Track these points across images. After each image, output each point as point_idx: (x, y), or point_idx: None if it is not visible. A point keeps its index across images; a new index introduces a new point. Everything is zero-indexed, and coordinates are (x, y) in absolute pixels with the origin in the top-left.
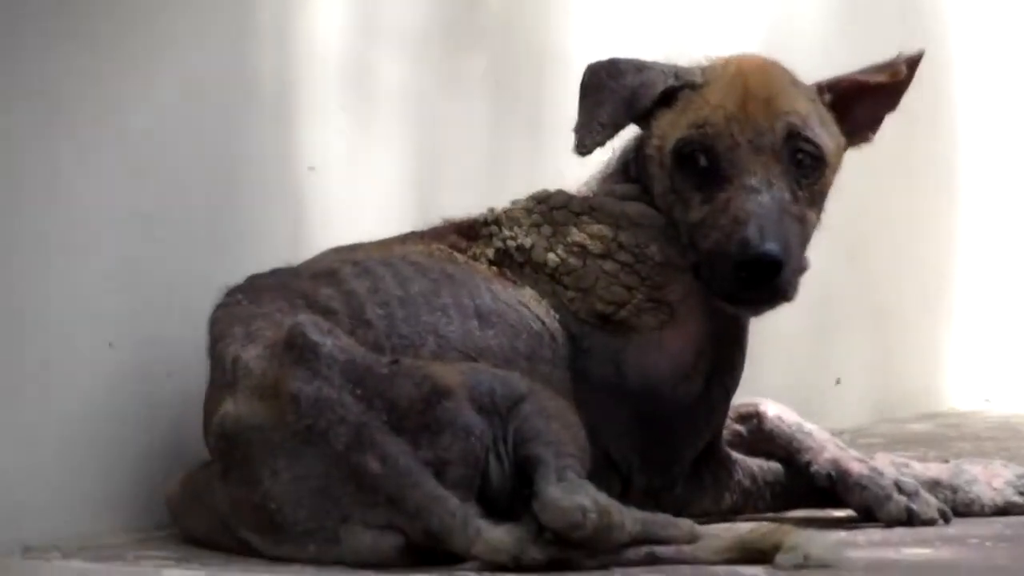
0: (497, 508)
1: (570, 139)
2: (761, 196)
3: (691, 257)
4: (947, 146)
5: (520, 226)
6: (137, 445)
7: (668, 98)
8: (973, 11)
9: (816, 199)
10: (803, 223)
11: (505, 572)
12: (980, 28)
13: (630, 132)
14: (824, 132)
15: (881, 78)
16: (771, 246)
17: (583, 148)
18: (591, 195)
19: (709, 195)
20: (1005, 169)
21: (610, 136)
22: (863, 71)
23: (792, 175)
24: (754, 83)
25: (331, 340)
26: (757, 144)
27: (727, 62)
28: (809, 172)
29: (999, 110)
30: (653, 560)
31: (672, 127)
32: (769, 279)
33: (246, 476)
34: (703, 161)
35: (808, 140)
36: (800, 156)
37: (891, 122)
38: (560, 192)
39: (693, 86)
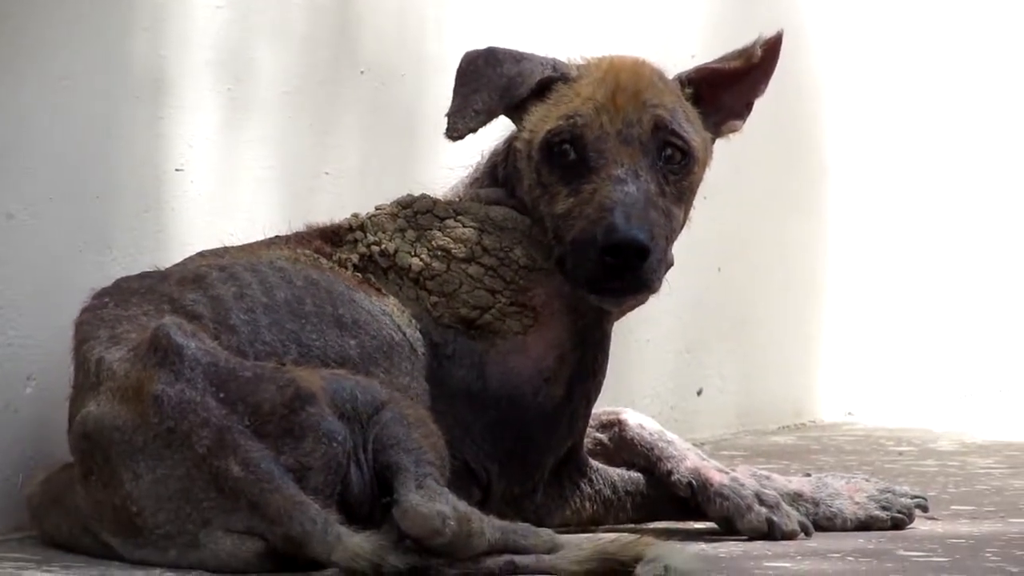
0: (358, 515)
1: (442, 139)
2: (627, 186)
3: (556, 250)
4: (817, 163)
5: (385, 231)
6: None
7: (542, 91)
8: (843, 35)
9: (683, 195)
10: (669, 217)
11: None
12: (849, 50)
13: (499, 133)
14: (691, 128)
15: (737, 63)
16: (637, 232)
17: (455, 132)
18: (456, 199)
19: (576, 188)
20: (874, 187)
21: (483, 123)
22: (721, 58)
23: (660, 170)
24: (624, 78)
25: (195, 343)
26: (625, 135)
27: (601, 59)
28: (677, 168)
29: (869, 128)
30: (513, 569)
31: (543, 120)
32: (634, 266)
33: (107, 478)
34: (571, 153)
35: (675, 134)
36: (669, 151)
37: (763, 139)
38: (425, 196)
39: (567, 79)
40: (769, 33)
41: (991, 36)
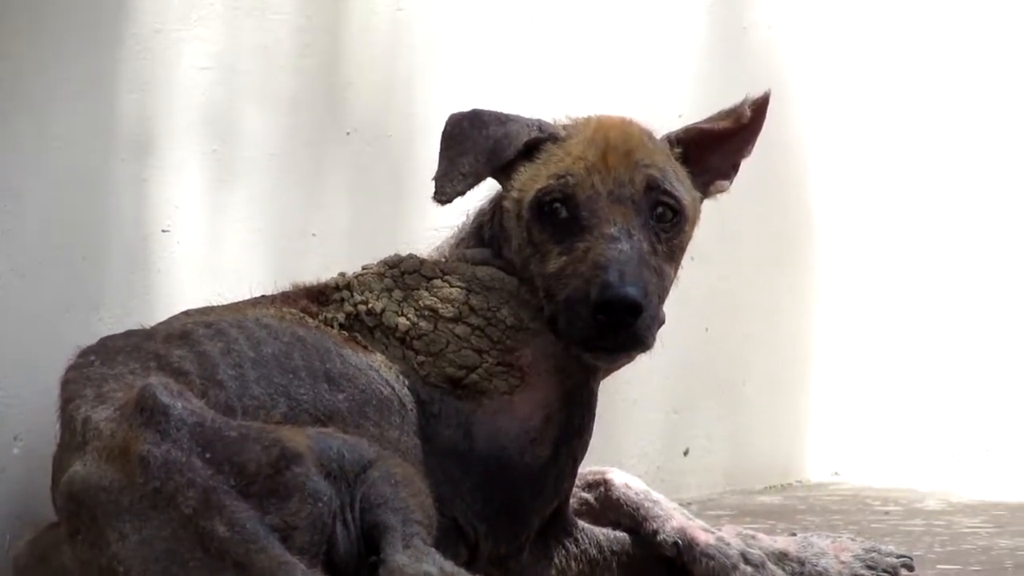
0: (344, 574)
1: (430, 199)
2: (621, 244)
3: (548, 309)
4: (804, 224)
5: (371, 291)
6: None
7: (530, 151)
8: (829, 93)
9: (674, 254)
10: (660, 276)
11: None
12: (835, 108)
13: (486, 193)
14: (681, 187)
15: (726, 124)
16: (631, 289)
17: (443, 196)
18: (442, 259)
19: (568, 246)
20: (861, 248)
21: (471, 186)
22: (709, 119)
23: (651, 228)
24: (614, 136)
25: (181, 403)
26: (618, 195)
27: (588, 119)
28: (669, 226)
29: (856, 187)
30: None
31: (533, 180)
32: (628, 323)
33: (93, 538)
34: (563, 212)
35: (668, 193)
36: (660, 209)
37: (750, 199)
38: (411, 256)
39: (555, 139)
40: (757, 94)
41: (977, 96)
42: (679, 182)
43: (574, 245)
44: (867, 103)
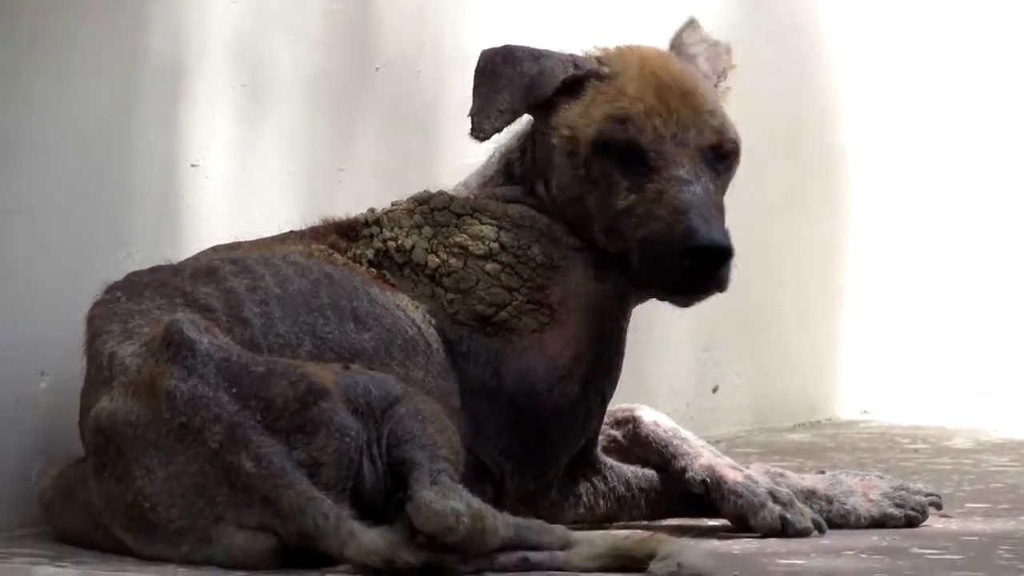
0: (371, 510)
1: (459, 135)
2: (694, 187)
3: (614, 245)
4: (835, 162)
5: (401, 227)
6: (10, 444)
7: (571, 87)
8: (862, 35)
9: (724, 189)
10: (722, 213)
11: (378, 575)
12: (868, 50)
13: (511, 130)
14: (732, 126)
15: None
16: (719, 236)
17: (481, 133)
18: (473, 197)
19: (637, 184)
20: (892, 188)
21: (508, 122)
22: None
23: (713, 167)
24: (664, 75)
25: (208, 338)
26: (681, 138)
27: (622, 51)
28: (725, 167)
29: (886, 127)
30: (526, 566)
31: (583, 117)
32: (715, 269)
33: (120, 473)
34: (627, 152)
35: (730, 139)
36: (723, 151)
37: (780, 139)
38: (441, 193)
39: (600, 76)
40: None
41: (1005, 41)
42: (730, 121)
43: (644, 185)
44: (898, 43)
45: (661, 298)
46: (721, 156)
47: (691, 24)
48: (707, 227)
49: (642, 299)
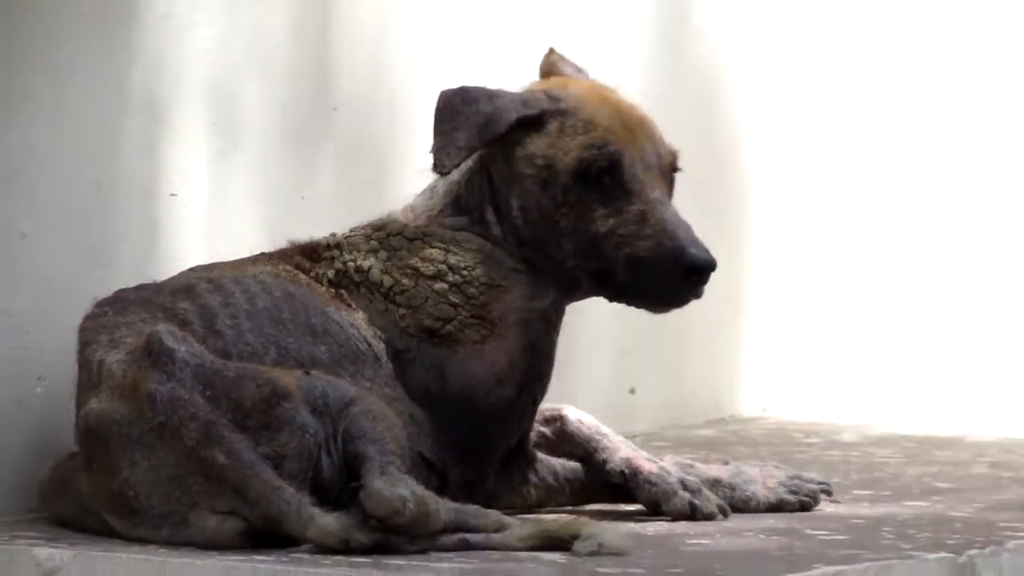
0: (328, 498)
1: (407, 166)
2: (669, 208)
3: (591, 264)
4: (737, 183)
5: (359, 250)
6: (11, 440)
7: (529, 123)
8: (762, 61)
9: None
10: None
11: (334, 554)
12: (766, 75)
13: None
14: None
15: None
16: (709, 254)
17: (442, 168)
18: (424, 224)
19: (616, 208)
20: (788, 211)
21: (466, 157)
22: None
23: (669, 185)
24: (622, 106)
25: (184, 347)
26: (647, 164)
27: (570, 86)
28: (673, 182)
29: (786, 143)
30: (465, 545)
31: (557, 148)
32: (704, 282)
33: (107, 466)
34: (606, 178)
35: (676, 158)
36: (673, 170)
37: (687, 157)
38: (395, 220)
39: (561, 111)
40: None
41: (899, 55)
42: None
43: (623, 208)
44: (797, 71)
45: (639, 306)
46: (672, 175)
47: (552, 52)
48: (697, 246)
49: (564, 309)
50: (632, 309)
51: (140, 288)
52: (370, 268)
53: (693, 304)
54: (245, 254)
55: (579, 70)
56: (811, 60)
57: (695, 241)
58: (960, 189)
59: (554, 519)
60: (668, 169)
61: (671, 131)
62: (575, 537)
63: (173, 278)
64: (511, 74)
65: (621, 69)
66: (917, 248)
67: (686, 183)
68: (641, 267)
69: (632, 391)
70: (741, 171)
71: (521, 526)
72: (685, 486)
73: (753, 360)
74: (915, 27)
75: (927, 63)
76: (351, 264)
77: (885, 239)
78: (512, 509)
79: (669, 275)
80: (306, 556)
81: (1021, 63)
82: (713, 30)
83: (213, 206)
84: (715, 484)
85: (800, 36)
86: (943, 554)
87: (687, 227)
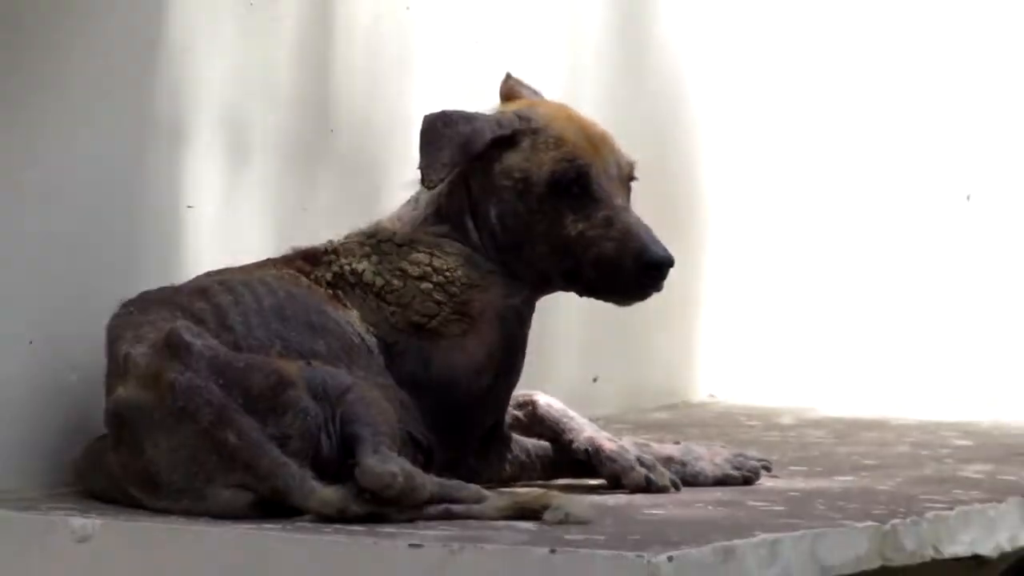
0: (327, 474)
1: (396, 181)
2: (630, 213)
3: (563, 264)
4: (692, 193)
5: (354, 255)
6: (50, 423)
7: (504, 141)
8: (718, 75)
9: None
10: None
11: (333, 522)
12: (723, 88)
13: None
14: None
15: None
16: (667, 251)
17: (430, 183)
18: (410, 231)
19: (585, 215)
20: (741, 212)
21: (450, 173)
22: None
23: (628, 192)
24: (585, 123)
25: (200, 341)
26: (610, 174)
27: (538, 106)
28: (630, 188)
29: (739, 131)
30: (448, 515)
31: (531, 162)
32: (664, 277)
33: (133, 446)
34: (575, 188)
35: (633, 167)
36: (631, 178)
37: (645, 169)
38: (384, 228)
39: (533, 130)
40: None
41: (843, 50)
42: None
43: (592, 214)
44: (751, 80)
45: (607, 300)
46: (629, 183)
47: (510, 77)
48: (657, 245)
49: (535, 305)
50: (597, 307)
51: (161, 290)
52: (363, 271)
53: (650, 303)
54: (253, 260)
55: (535, 92)
56: (766, 77)
57: (655, 241)
58: (882, 190)
59: (526, 492)
60: (627, 178)
61: (630, 142)
62: (545, 508)
63: (190, 281)
64: (487, 97)
65: (581, 86)
66: (842, 250)
67: (644, 189)
68: (607, 265)
69: (595, 379)
70: (695, 177)
71: (498, 498)
72: (642, 463)
73: (703, 352)
74: (864, 42)
75: (873, 76)
76: (346, 267)
77: (816, 244)
78: (490, 483)
79: (632, 271)
80: (309, 524)
81: (963, 62)
82: (673, 47)
83: (226, 217)
84: (668, 461)
85: (758, 53)
86: (869, 523)
87: (647, 229)
